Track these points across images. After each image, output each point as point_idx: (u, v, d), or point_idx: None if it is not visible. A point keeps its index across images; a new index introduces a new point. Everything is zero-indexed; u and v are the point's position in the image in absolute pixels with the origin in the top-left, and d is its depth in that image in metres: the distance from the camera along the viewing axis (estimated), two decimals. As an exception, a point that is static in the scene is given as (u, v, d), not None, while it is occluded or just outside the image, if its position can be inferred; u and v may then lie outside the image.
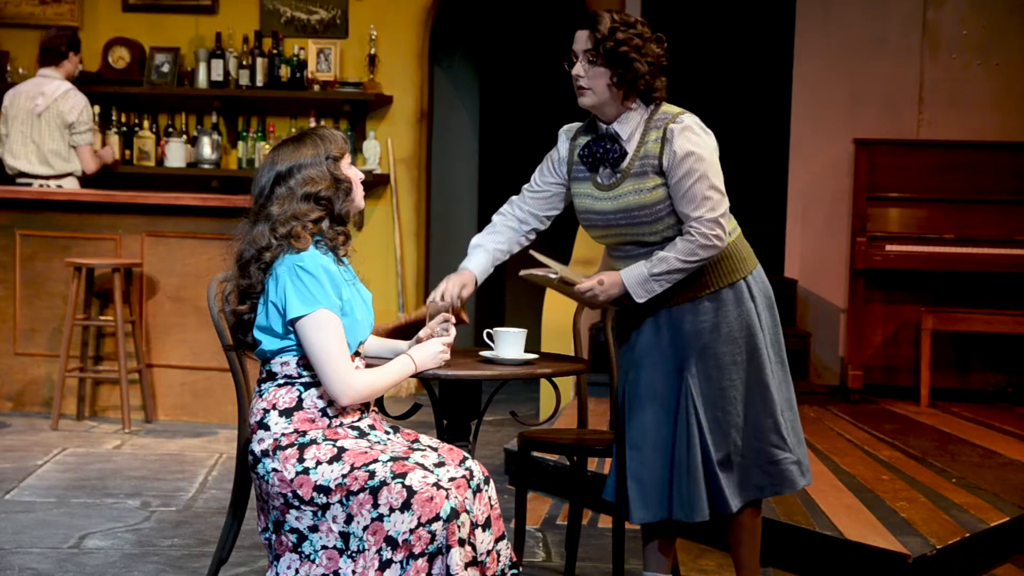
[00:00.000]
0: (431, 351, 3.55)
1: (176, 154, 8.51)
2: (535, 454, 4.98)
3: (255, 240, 3.41)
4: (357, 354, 3.50)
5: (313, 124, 8.45)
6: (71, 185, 7.42)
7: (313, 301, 3.34)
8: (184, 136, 8.60)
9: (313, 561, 3.32)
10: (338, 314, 3.38)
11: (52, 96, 7.34)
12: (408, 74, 8.61)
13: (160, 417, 7.17)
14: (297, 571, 3.35)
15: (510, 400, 7.55)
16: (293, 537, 3.35)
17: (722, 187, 3.73)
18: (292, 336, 3.38)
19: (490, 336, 3.86)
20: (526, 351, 3.84)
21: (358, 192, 3.52)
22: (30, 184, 7.34)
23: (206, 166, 8.55)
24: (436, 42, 8.85)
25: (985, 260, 7.49)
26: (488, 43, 10.09)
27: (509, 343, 3.80)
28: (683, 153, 3.66)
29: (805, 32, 8.34)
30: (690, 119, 3.73)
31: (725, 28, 9.36)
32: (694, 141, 3.69)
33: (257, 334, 3.45)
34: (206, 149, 8.54)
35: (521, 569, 3.51)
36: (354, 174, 3.52)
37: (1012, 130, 8.00)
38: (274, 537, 3.40)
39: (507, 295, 10.51)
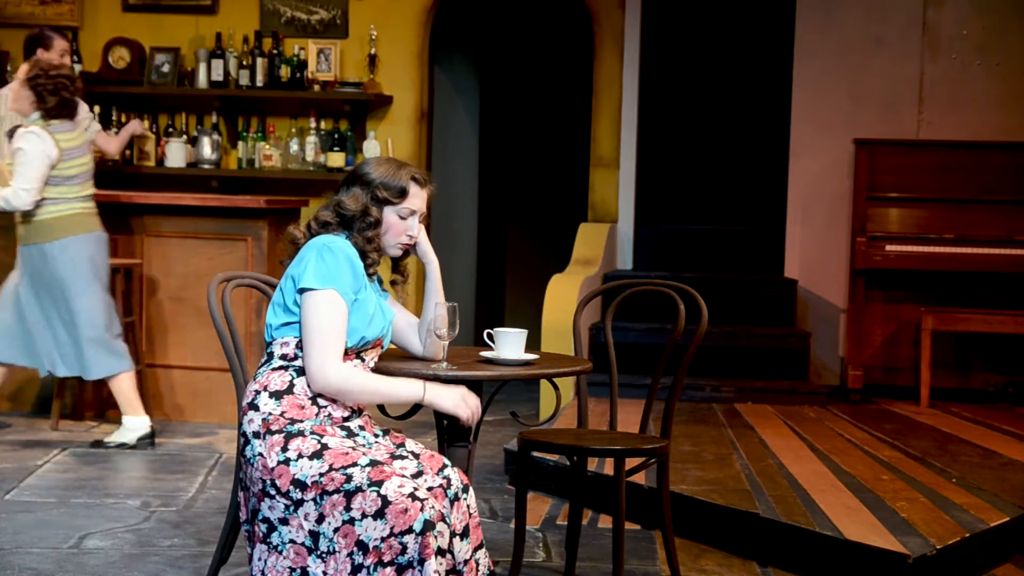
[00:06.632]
0: (453, 392, 3.47)
1: (176, 154, 8.51)
2: (535, 454, 4.98)
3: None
4: (359, 355, 3.49)
5: (313, 124, 8.43)
6: None
7: (329, 279, 3.36)
8: (184, 136, 8.60)
9: (280, 553, 3.29)
10: (349, 304, 3.39)
11: None
12: (408, 74, 8.61)
13: (160, 417, 7.17)
14: (265, 562, 3.31)
15: (510, 400, 7.55)
16: (264, 527, 3.32)
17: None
18: (298, 311, 3.39)
19: (490, 336, 3.85)
20: (526, 351, 3.84)
21: (387, 239, 3.57)
22: None
23: (206, 166, 8.55)
24: (436, 42, 8.85)
25: (985, 260, 7.48)
26: (488, 43, 10.09)
27: (509, 343, 3.80)
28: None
29: (805, 32, 8.33)
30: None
31: (725, 28, 9.36)
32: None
33: (268, 313, 3.48)
34: (206, 149, 8.54)
35: None
36: (400, 225, 3.59)
37: (1012, 130, 8.00)
38: (251, 528, 3.39)
39: (507, 295, 10.52)
